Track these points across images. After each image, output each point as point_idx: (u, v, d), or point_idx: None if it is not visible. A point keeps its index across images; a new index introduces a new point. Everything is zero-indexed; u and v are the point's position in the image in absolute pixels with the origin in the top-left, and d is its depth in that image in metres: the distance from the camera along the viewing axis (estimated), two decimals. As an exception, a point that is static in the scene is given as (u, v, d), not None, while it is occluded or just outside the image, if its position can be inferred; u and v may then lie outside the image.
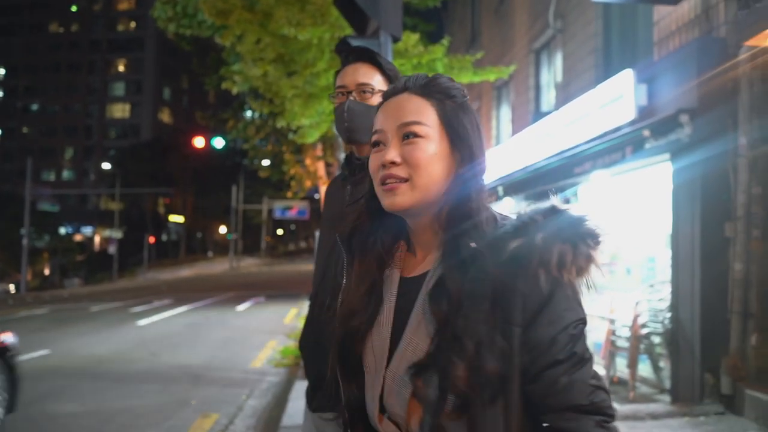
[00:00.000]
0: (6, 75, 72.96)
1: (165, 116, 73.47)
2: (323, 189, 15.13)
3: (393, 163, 1.00)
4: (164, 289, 30.50)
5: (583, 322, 0.96)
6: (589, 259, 0.94)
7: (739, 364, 5.10)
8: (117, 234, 48.46)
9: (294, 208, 36.27)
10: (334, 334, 1.11)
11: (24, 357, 9.30)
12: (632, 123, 6.17)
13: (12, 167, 66.19)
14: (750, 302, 5.16)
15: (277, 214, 39.06)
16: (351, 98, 1.81)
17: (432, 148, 1.01)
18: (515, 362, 0.92)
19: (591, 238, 0.95)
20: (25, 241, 31.64)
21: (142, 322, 15.10)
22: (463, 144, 1.03)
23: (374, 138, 1.06)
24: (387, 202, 1.02)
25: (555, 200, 1.00)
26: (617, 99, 6.37)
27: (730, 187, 5.37)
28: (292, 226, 70.83)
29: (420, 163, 1.00)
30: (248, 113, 18.38)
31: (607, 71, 7.64)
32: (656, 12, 6.54)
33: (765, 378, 4.99)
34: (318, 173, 14.81)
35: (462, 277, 0.95)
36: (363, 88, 1.81)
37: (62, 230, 59.69)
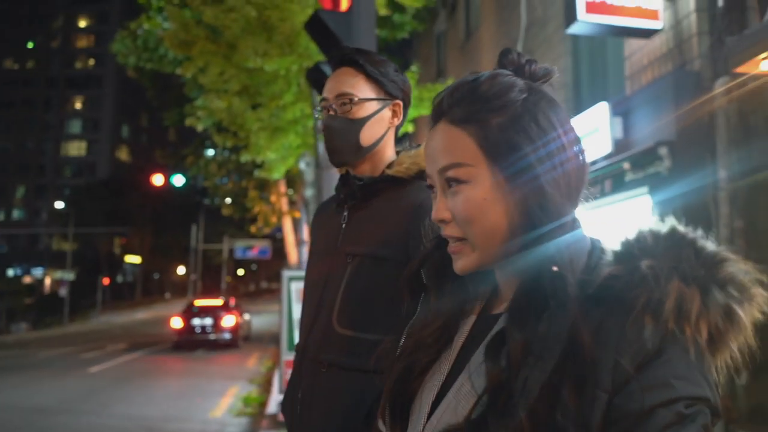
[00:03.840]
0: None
1: (123, 154, 71.96)
2: (287, 225, 14.89)
3: (442, 221, 0.80)
4: (119, 332, 29.17)
5: (706, 404, 0.66)
6: (730, 316, 0.68)
7: (730, 405, 4.90)
8: (69, 276, 46.40)
9: (255, 248, 35.47)
10: (391, 369, 0.88)
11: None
12: (608, 156, 6.08)
13: (-41, 207, 63.53)
14: (737, 339, 5.00)
15: (238, 254, 38.12)
16: (330, 113, 1.52)
17: (480, 192, 0.77)
18: None
19: (733, 286, 0.69)
20: (-32, 284, 29.97)
21: (94, 369, 14.22)
22: (522, 169, 0.76)
23: (427, 181, 0.85)
24: (455, 266, 0.82)
25: (676, 224, 0.75)
26: (593, 132, 6.28)
27: (711, 221, 5.26)
28: (253, 266, 69.46)
29: (469, 217, 0.77)
30: (210, 151, 17.95)
31: (578, 106, 7.60)
32: (627, 46, 6.54)
33: (759, 418, 4.80)
34: (282, 210, 14.44)
35: (528, 333, 0.70)
36: (342, 100, 1.50)
37: (10, 272, 57.09)
